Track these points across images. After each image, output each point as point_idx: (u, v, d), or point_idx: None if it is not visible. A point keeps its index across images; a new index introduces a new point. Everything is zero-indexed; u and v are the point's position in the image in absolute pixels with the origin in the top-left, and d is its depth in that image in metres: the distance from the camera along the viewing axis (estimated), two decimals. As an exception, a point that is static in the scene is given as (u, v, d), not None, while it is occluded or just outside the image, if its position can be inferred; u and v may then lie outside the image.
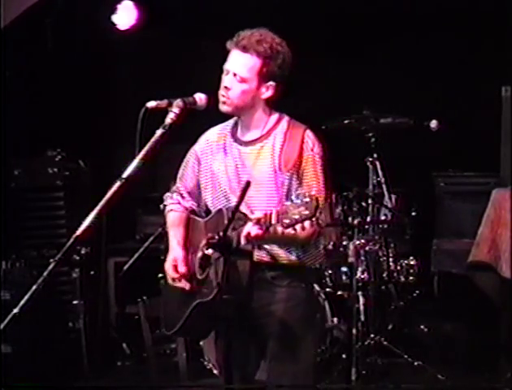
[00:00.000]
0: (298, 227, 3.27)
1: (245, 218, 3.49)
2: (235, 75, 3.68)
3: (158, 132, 3.42)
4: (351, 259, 6.03)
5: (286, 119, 3.79)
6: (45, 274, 3.04)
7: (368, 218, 6.17)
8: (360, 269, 6.04)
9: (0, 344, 5.57)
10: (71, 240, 3.10)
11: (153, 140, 3.38)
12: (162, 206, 4.03)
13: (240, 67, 3.67)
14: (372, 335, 6.00)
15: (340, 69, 7.18)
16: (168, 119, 3.48)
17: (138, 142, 3.37)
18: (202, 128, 3.97)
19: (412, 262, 6.28)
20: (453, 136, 6.61)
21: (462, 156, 6.94)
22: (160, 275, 3.95)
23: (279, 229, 3.35)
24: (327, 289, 6.12)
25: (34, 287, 3.00)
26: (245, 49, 3.66)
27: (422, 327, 6.54)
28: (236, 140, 3.81)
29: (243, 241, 3.46)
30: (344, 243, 6.14)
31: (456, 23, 6.93)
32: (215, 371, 5.49)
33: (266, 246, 3.69)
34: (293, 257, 3.74)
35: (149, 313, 6.06)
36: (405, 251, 6.33)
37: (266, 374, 3.77)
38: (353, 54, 7.16)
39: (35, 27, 6.90)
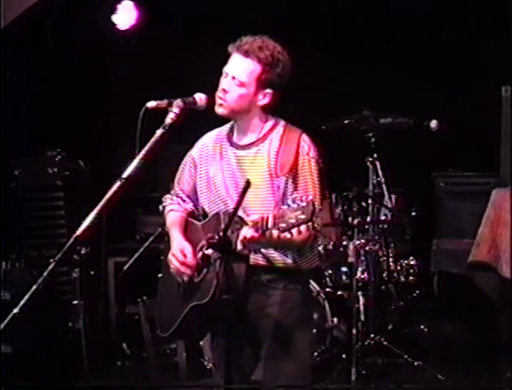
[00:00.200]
0: (294, 231, 3.28)
1: (242, 222, 3.48)
2: (234, 78, 3.68)
3: (158, 132, 3.42)
4: (351, 259, 6.03)
5: (282, 123, 3.80)
6: (45, 274, 3.04)
7: (368, 218, 6.17)
8: (360, 269, 6.04)
9: (0, 344, 5.57)
10: (71, 240, 3.10)
11: (153, 140, 3.38)
12: (160, 208, 4.03)
13: (239, 71, 3.68)
14: (372, 335, 6.00)
15: (339, 69, 7.18)
16: (168, 119, 3.48)
17: (138, 142, 3.37)
18: (202, 128, 3.98)
19: (412, 262, 6.29)
20: (453, 136, 6.60)
21: (462, 156, 6.94)
22: (160, 275, 3.95)
23: (276, 233, 3.35)
24: (327, 289, 6.14)
25: (34, 287, 3.00)
26: (246, 53, 3.67)
27: (422, 327, 6.54)
28: (232, 144, 3.82)
29: (239, 246, 3.46)
30: (344, 243, 6.15)
31: (456, 23, 6.94)
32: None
33: (261, 249, 3.69)
34: (289, 261, 3.75)
35: (149, 313, 6.06)
36: (405, 251, 6.34)
37: (262, 372, 3.77)
38: (353, 54, 7.16)
39: (35, 27, 6.90)
